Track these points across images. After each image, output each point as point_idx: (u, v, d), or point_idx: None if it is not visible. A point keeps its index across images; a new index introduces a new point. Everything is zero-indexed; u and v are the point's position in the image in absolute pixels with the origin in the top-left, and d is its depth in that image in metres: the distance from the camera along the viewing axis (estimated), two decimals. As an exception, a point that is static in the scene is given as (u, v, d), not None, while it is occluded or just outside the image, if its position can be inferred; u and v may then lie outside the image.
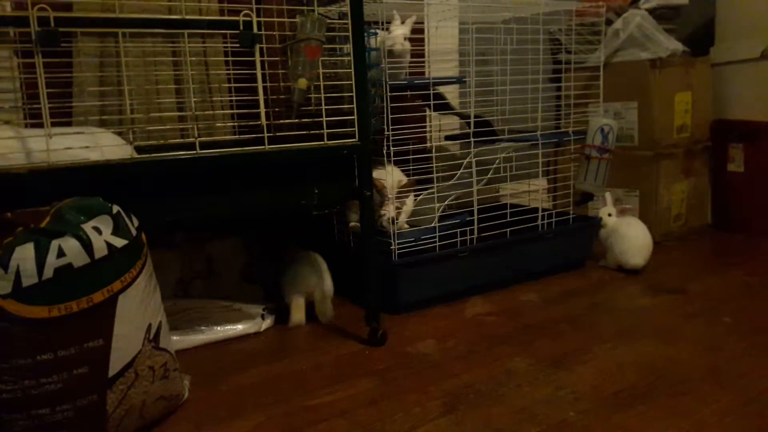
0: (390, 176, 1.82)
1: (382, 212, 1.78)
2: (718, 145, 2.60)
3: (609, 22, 2.44)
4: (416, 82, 1.85)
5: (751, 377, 1.32)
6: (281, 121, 1.50)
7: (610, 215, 2.12)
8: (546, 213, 2.06)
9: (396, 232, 1.76)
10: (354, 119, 1.51)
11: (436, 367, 1.44)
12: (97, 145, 1.30)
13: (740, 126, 2.53)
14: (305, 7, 1.45)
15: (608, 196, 2.16)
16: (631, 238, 2.08)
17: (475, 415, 1.21)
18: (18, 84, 1.52)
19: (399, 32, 1.82)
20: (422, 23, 2.18)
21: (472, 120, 1.93)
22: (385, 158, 1.76)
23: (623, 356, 1.45)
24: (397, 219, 1.80)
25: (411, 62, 1.92)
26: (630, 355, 1.45)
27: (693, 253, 2.36)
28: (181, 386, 1.29)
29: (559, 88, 2.41)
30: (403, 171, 2.03)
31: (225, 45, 1.85)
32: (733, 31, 2.58)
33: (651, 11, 2.46)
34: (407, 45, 1.84)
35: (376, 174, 1.76)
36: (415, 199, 1.89)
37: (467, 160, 1.90)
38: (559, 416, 1.19)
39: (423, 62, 2.26)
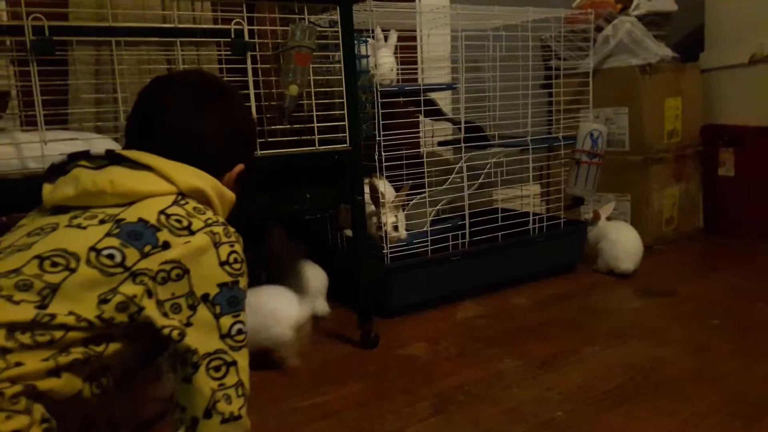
0: (384, 186, 1.83)
1: (382, 220, 1.79)
2: (709, 149, 2.63)
3: (599, 29, 2.47)
4: (407, 88, 1.88)
5: (735, 378, 1.34)
6: (273, 126, 1.53)
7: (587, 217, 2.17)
8: (537, 217, 2.08)
9: (389, 237, 1.78)
10: (345, 125, 1.53)
11: (427, 369, 1.46)
12: (91, 151, 1.31)
13: (730, 130, 2.56)
14: (296, 16, 1.48)
15: (611, 204, 2.20)
16: (621, 243, 2.09)
17: (464, 415, 1.23)
18: (15, 92, 1.54)
19: (386, 64, 1.86)
20: (414, 31, 2.21)
21: (462, 126, 1.95)
22: (377, 164, 1.78)
23: (611, 357, 1.47)
24: (396, 230, 1.81)
25: (404, 69, 1.96)
26: (618, 357, 1.47)
27: (684, 256, 2.38)
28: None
29: (550, 94, 2.43)
30: (395, 176, 2.05)
31: (219, 53, 1.88)
32: (722, 37, 2.62)
33: (641, 18, 2.50)
34: (394, 74, 1.89)
35: (372, 181, 1.78)
36: (404, 209, 1.90)
37: (459, 165, 1.93)
38: (546, 416, 1.21)
39: (416, 69, 2.29)
